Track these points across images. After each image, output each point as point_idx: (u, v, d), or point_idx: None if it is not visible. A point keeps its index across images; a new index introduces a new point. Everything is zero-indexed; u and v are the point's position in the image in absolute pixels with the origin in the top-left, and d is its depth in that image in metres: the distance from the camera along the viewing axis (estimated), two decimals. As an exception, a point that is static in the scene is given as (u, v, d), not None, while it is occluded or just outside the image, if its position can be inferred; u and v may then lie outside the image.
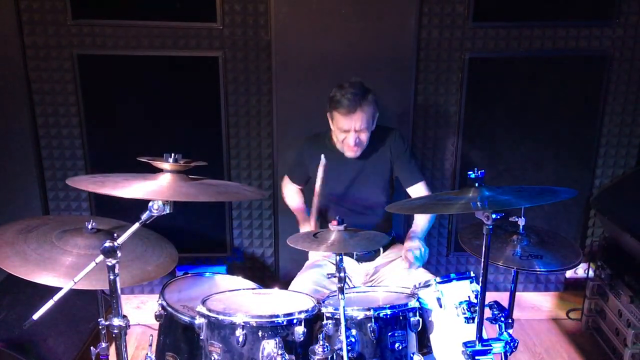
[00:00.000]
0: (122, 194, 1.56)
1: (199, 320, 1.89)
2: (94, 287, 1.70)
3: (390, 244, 2.62)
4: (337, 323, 1.88)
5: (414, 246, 2.41)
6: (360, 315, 1.90)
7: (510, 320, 1.90)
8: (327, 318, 1.91)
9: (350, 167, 2.52)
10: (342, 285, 1.80)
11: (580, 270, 3.33)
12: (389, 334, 1.91)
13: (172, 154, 1.71)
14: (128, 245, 1.61)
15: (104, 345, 1.88)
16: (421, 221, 2.57)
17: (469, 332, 1.85)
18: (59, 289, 1.57)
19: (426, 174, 3.15)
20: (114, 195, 1.56)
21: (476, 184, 1.76)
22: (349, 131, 2.36)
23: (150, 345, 2.06)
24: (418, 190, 2.57)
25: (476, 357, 1.78)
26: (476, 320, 1.80)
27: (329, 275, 1.86)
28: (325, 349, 1.80)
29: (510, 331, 1.89)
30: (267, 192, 3.12)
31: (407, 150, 2.55)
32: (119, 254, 1.57)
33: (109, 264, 1.57)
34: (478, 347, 1.79)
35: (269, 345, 1.80)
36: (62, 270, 1.67)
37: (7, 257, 1.69)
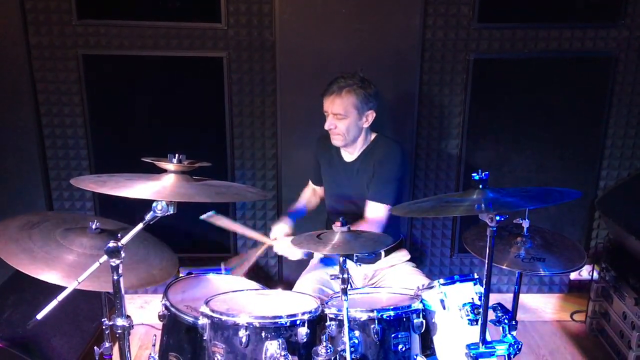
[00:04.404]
0: (123, 193, 1.56)
1: (202, 321, 1.89)
2: (99, 289, 1.70)
3: (395, 248, 2.57)
4: (340, 324, 1.87)
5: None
6: (364, 316, 1.89)
7: (514, 322, 1.89)
8: (331, 319, 1.91)
9: (348, 168, 2.53)
10: (346, 286, 1.80)
11: (585, 272, 3.32)
12: (392, 335, 1.90)
13: (176, 155, 1.71)
14: (130, 248, 1.61)
15: (107, 345, 1.88)
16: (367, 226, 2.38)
17: (473, 334, 1.84)
18: (63, 288, 1.58)
19: (430, 176, 3.16)
20: (117, 195, 1.57)
21: (480, 186, 1.76)
22: (328, 114, 2.39)
23: (154, 345, 2.06)
24: (371, 208, 2.42)
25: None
26: (480, 322, 1.80)
27: (332, 277, 1.86)
28: (329, 350, 1.79)
29: (514, 333, 1.89)
30: (269, 194, 3.12)
31: (390, 170, 2.40)
32: (123, 255, 1.57)
33: (113, 264, 1.58)
34: (481, 349, 1.78)
35: (272, 346, 1.80)
36: (69, 269, 1.67)
37: (15, 254, 1.69)
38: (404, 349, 1.91)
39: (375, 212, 2.41)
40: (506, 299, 2.26)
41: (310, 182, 2.81)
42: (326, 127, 2.41)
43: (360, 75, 2.39)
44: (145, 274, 1.83)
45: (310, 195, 2.79)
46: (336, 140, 2.44)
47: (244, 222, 3.19)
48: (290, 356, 1.79)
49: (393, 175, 2.41)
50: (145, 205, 1.58)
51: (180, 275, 2.34)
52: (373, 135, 2.50)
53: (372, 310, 1.89)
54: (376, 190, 2.42)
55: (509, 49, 2.99)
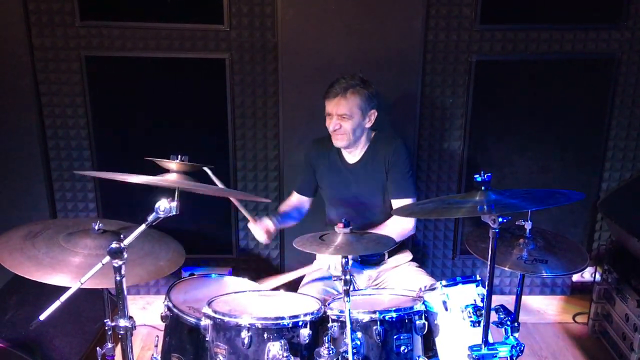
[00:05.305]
0: (128, 179, 1.58)
1: (205, 322, 1.89)
2: (107, 286, 1.71)
3: (398, 250, 2.58)
4: (342, 325, 1.88)
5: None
6: (366, 317, 1.90)
7: (516, 324, 1.89)
8: (333, 320, 1.91)
9: (353, 169, 2.53)
10: (348, 287, 1.80)
11: (587, 274, 3.31)
12: (395, 337, 1.91)
13: (179, 155, 1.72)
14: (135, 244, 1.62)
15: (110, 345, 1.89)
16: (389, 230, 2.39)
17: (475, 335, 1.84)
18: (66, 289, 1.58)
19: (432, 177, 3.15)
20: (121, 183, 1.58)
21: (482, 188, 1.76)
22: (331, 116, 2.40)
23: (156, 346, 2.06)
24: (400, 205, 2.41)
25: (481, 361, 1.78)
26: (482, 323, 1.80)
27: (335, 278, 1.86)
28: (331, 352, 1.79)
29: (516, 335, 1.89)
30: (272, 195, 3.12)
31: (404, 164, 2.46)
32: (125, 255, 1.58)
33: (115, 265, 1.58)
34: (484, 350, 1.78)
35: (274, 348, 1.80)
36: (77, 271, 1.69)
37: (21, 262, 1.71)
38: (406, 350, 1.92)
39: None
40: (508, 300, 2.26)
41: (294, 193, 2.70)
42: (330, 128, 2.41)
43: (360, 76, 2.42)
44: (154, 267, 1.86)
45: (291, 208, 2.67)
46: (340, 141, 2.44)
47: (246, 224, 3.18)
48: (292, 357, 1.79)
49: (407, 168, 2.47)
50: (149, 204, 1.58)
51: (183, 276, 2.35)
52: (372, 134, 2.53)
53: (374, 312, 1.90)
54: (398, 186, 2.46)
55: (510, 51, 2.99)
